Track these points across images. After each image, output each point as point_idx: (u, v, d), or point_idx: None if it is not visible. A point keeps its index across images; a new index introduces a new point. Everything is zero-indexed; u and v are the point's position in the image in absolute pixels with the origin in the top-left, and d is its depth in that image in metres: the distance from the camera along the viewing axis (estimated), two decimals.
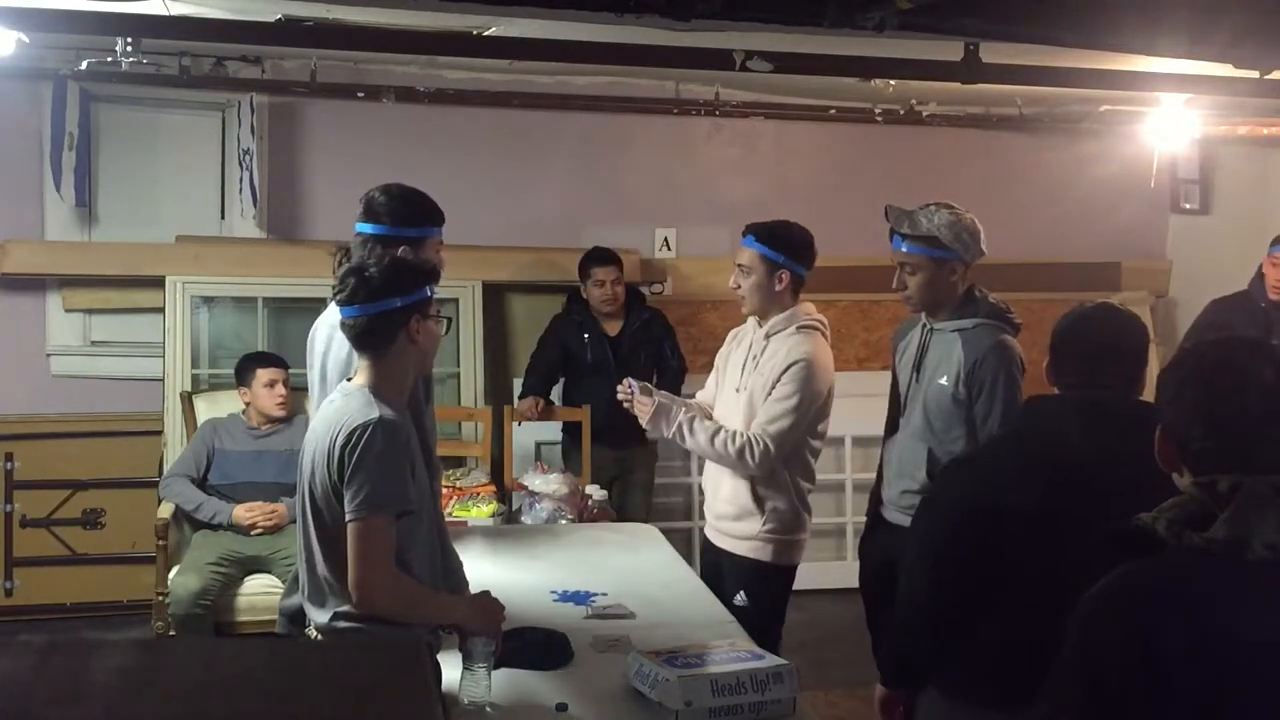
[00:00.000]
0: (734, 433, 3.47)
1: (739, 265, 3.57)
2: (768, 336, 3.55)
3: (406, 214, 3.09)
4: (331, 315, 3.14)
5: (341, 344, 2.98)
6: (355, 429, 2.52)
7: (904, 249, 3.30)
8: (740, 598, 3.46)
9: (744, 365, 3.59)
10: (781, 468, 3.49)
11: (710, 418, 3.65)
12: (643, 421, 3.60)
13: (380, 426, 2.52)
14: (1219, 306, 5.07)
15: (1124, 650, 1.62)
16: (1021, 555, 2.20)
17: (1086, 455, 2.22)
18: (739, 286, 3.57)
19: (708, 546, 3.73)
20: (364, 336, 2.62)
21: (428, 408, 3.02)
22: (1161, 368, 1.87)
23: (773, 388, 3.45)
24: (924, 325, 3.38)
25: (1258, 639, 1.62)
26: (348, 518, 2.52)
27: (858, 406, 5.78)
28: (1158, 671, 1.60)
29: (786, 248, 3.54)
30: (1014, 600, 2.23)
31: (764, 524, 3.51)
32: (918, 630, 2.39)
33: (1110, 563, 1.90)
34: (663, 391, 3.71)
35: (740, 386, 3.57)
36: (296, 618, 3.00)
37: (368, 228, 3.08)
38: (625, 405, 3.65)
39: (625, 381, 3.67)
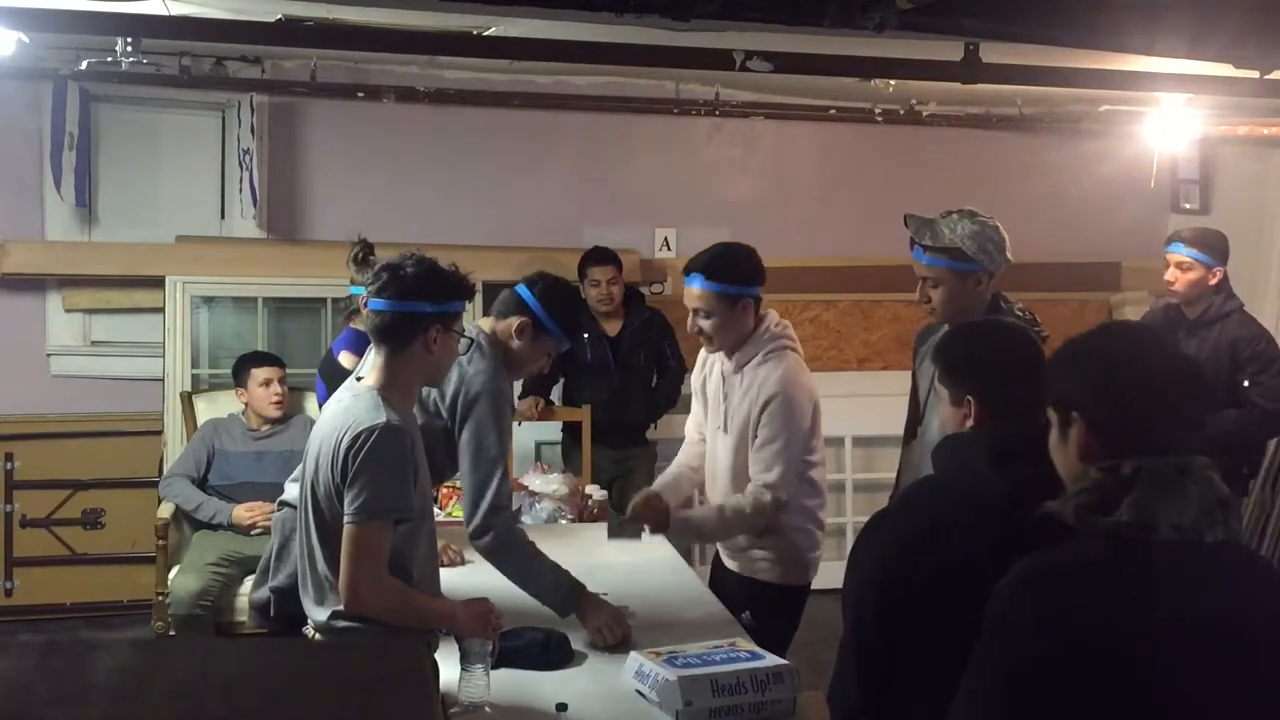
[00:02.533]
0: (736, 500, 3.32)
1: (695, 309, 3.28)
2: (737, 370, 3.35)
3: (554, 303, 3.18)
4: None
5: None
6: (361, 432, 2.52)
7: (925, 261, 3.11)
8: (745, 616, 3.32)
9: (722, 402, 3.42)
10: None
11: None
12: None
13: (386, 432, 2.52)
14: (1149, 310, 4.99)
15: (1039, 637, 1.64)
16: (943, 613, 2.03)
17: (1002, 498, 2.06)
18: (701, 330, 3.30)
19: (717, 564, 3.62)
20: (384, 331, 2.63)
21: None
22: (1050, 358, 1.87)
23: (755, 430, 3.29)
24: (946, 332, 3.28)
25: (1170, 620, 1.64)
26: (345, 520, 2.52)
27: (858, 406, 5.80)
28: (1074, 657, 1.62)
29: (740, 276, 3.28)
30: (946, 661, 2.01)
31: (772, 548, 3.40)
32: (852, 700, 2.18)
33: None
34: (647, 498, 3.45)
35: (724, 426, 3.40)
36: (265, 610, 3.03)
37: (519, 287, 3.19)
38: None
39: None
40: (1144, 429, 1.71)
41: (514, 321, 3.11)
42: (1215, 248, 4.37)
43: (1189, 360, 1.77)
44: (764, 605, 3.40)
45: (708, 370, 3.53)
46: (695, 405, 3.62)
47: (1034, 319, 3.15)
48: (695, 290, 3.27)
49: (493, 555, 3.04)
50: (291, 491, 3.14)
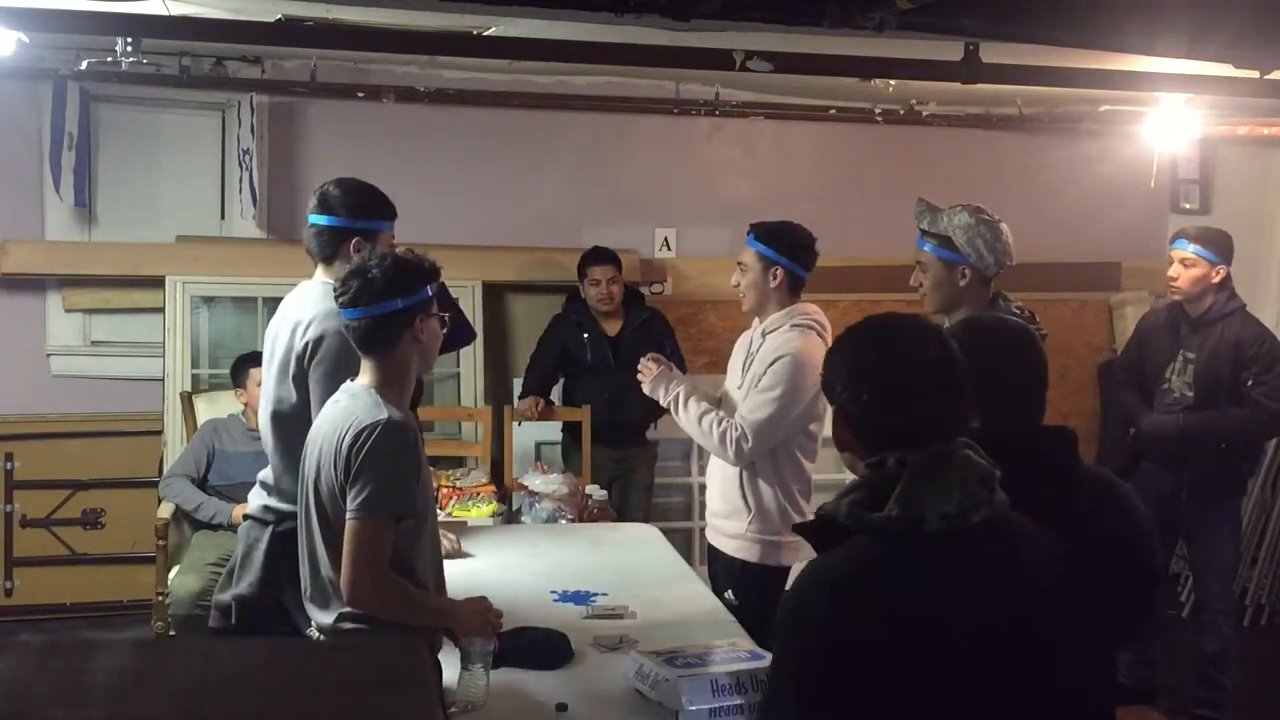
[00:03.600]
0: (721, 416, 3.50)
1: (739, 264, 3.63)
2: (764, 335, 3.59)
3: (358, 206, 3.13)
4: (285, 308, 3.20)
5: (289, 335, 3.05)
6: (364, 429, 2.53)
7: (919, 245, 3.26)
8: (729, 596, 3.47)
9: (744, 364, 3.63)
10: (769, 468, 3.50)
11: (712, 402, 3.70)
12: (644, 385, 3.66)
13: (389, 428, 2.53)
14: (1150, 309, 5.03)
15: (827, 643, 1.66)
16: None
17: None
18: (738, 284, 3.63)
19: (710, 547, 3.75)
20: (368, 338, 2.63)
21: None
22: (828, 349, 1.89)
23: (759, 380, 3.50)
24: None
25: (946, 610, 1.66)
26: (347, 516, 2.53)
27: None
28: (862, 657, 1.64)
29: (783, 246, 3.57)
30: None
31: (749, 524, 3.53)
32: None
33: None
34: (676, 370, 3.76)
35: (741, 384, 3.61)
36: (228, 613, 3.04)
37: (322, 219, 3.14)
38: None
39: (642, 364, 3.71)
40: (892, 419, 1.74)
41: (347, 249, 3.07)
42: (1220, 246, 4.38)
43: (947, 349, 1.79)
44: (745, 584, 3.52)
45: (741, 347, 3.73)
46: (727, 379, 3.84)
47: (1032, 316, 3.17)
48: (745, 249, 3.62)
49: None
50: (255, 503, 3.14)
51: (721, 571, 3.61)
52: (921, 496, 1.67)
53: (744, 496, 3.51)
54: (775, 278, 3.56)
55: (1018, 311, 3.17)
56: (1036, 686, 1.70)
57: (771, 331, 3.56)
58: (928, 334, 1.82)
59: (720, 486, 3.61)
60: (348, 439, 2.54)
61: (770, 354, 3.50)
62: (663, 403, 3.62)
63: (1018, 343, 2.25)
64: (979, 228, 3.16)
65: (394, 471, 2.54)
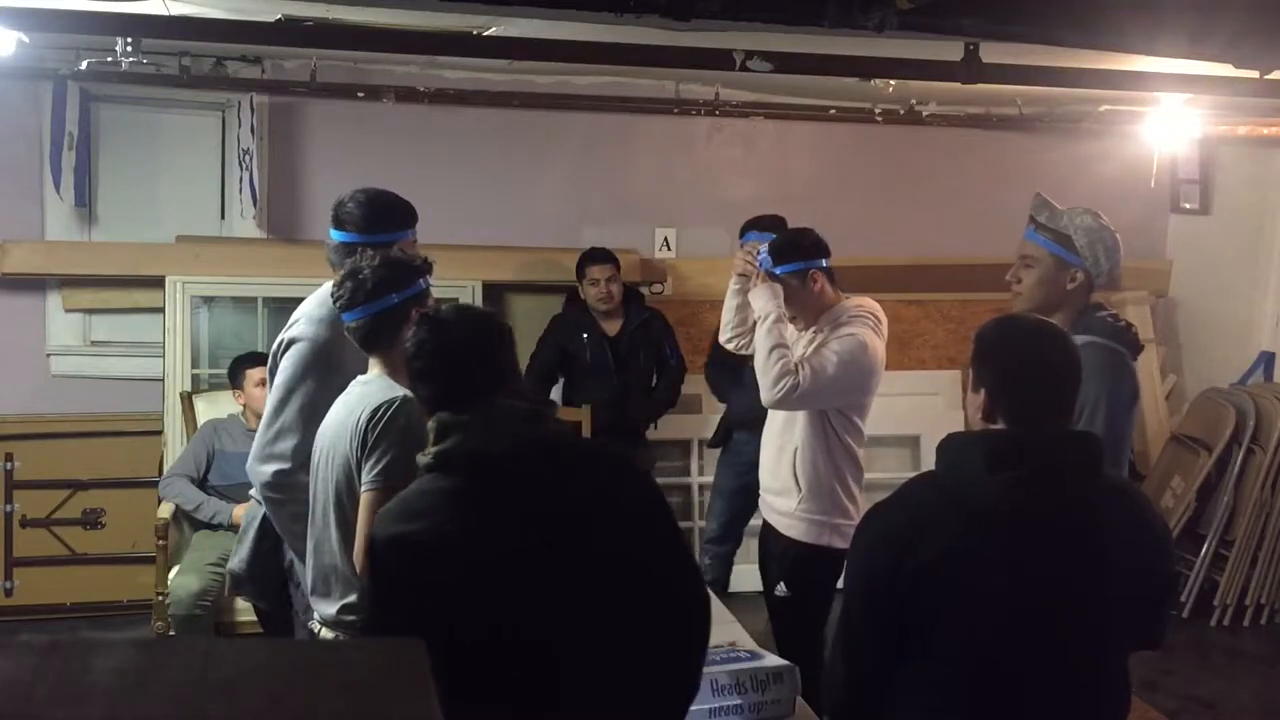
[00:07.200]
0: (789, 358, 3.44)
1: None
2: (816, 333, 3.59)
3: (372, 220, 3.10)
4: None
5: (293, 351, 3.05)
6: (381, 405, 2.58)
7: (1031, 239, 3.09)
8: (780, 589, 3.56)
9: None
10: (822, 449, 3.53)
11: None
12: (750, 283, 3.64)
13: (406, 403, 2.58)
14: None
15: (385, 554, 2.06)
16: (921, 612, 2.05)
17: (992, 500, 2.06)
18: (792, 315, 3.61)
19: (765, 524, 3.80)
20: (370, 336, 2.69)
21: None
22: None
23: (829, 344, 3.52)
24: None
25: (478, 525, 2.02)
26: (363, 488, 2.55)
27: None
28: (413, 568, 2.03)
29: (803, 253, 3.60)
30: (929, 658, 2.09)
31: (800, 502, 3.57)
32: (841, 690, 2.21)
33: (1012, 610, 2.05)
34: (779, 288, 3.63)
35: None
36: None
37: (339, 235, 3.11)
38: (746, 264, 3.72)
39: (755, 250, 3.70)
40: (430, 386, 2.18)
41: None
42: (780, 225, 4.75)
43: (493, 329, 2.22)
44: (796, 565, 3.59)
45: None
46: None
47: (1128, 326, 3.04)
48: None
49: (266, 500, 3.01)
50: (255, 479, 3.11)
51: (774, 549, 3.66)
52: (450, 441, 2.07)
53: (795, 476, 3.53)
54: (815, 280, 3.58)
55: (1111, 320, 3.02)
56: (580, 591, 2.00)
57: (828, 329, 3.56)
58: (470, 316, 2.25)
59: (773, 462, 3.67)
60: (365, 415, 2.58)
61: (843, 332, 3.52)
62: (759, 312, 3.53)
63: (1043, 346, 2.19)
64: (1102, 233, 3.06)
65: (411, 444, 2.56)
